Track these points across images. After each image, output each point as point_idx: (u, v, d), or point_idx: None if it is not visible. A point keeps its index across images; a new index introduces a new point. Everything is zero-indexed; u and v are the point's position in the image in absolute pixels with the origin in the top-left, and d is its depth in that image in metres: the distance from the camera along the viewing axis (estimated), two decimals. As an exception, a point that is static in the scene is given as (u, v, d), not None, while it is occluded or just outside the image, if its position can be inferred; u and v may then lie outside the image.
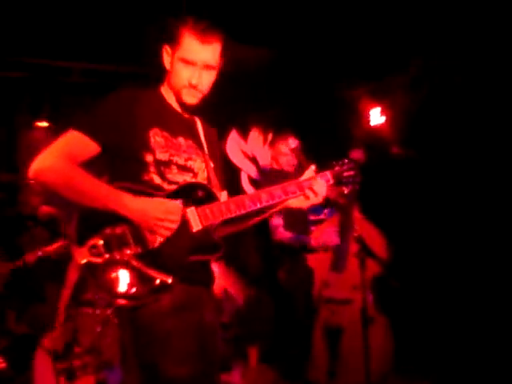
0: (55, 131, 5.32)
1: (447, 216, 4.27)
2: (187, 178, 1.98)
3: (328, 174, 2.13)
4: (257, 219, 2.15)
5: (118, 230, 1.81)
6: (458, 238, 4.20)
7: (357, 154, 3.67)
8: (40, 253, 3.49)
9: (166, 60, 2.02)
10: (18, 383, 3.49)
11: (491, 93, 4.07)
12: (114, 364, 3.16)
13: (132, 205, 1.82)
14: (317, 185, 2.08)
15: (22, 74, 4.84)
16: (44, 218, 3.93)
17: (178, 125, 2.02)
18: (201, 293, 1.95)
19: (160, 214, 1.82)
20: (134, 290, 1.78)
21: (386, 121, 4.27)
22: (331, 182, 2.14)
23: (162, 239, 1.84)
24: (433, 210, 4.33)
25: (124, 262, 1.79)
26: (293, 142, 3.56)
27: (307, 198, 2.08)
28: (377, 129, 4.26)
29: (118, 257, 1.79)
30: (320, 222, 3.84)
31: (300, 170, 3.23)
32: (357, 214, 3.70)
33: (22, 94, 5.05)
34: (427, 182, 4.35)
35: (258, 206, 2.00)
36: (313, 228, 3.81)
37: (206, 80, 1.99)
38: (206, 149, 2.09)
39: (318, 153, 3.75)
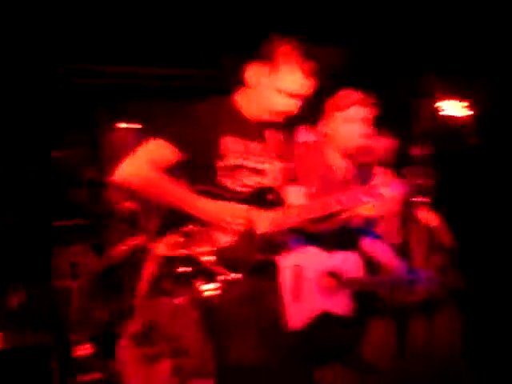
0: (135, 132, 5.66)
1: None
2: (259, 179, 2.12)
3: (398, 182, 2.09)
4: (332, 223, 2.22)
5: (192, 229, 2.01)
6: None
7: (415, 151, 3.63)
8: (124, 247, 3.74)
9: (253, 78, 2.09)
10: (104, 369, 3.77)
11: None
12: (191, 350, 3.35)
13: (205, 207, 2.01)
14: (388, 193, 2.05)
15: (105, 80, 5.15)
16: (127, 213, 4.20)
17: (249, 131, 2.14)
18: (266, 286, 2.12)
19: (229, 217, 1.99)
20: (202, 283, 1.98)
21: (465, 113, 4.21)
22: (401, 190, 2.08)
23: (230, 239, 2.02)
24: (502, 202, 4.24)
25: (195, 257, 1.98)
26: (365, 141, 3.53)
27: (375, 206, 2.13)
28: (454, 121, 4.21)
29: (190, 252, 1.99)
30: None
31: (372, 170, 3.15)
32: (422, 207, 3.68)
33: (104, 98, 5.38)
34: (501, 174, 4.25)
35: (326, 212, 2.07)
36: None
37: (297, 106, 2.10)
38: (276, 151, 2.19)
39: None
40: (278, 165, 2.18)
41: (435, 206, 3.72)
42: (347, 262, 2.80)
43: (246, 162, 2.09)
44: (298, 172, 2.50)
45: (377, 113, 2.82)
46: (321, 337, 2.79)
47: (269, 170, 2.15)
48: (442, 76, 4.00)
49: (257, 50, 2.09)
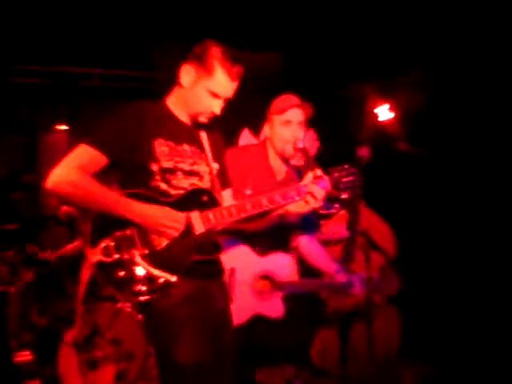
0: (74, 134, 5.54)
1: (450, 211, 4.37)
2: (193, 181, 2.15)
3: (326, 179, 2.20)
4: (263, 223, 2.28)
5: (127, 233, 2.01)
6: (460, 232, 4.30)
7: (363, 151, 3.76)
8: (62, 252, 3.69)
9: (186, 79, 2.14)
10: (43, 375, 3.71)
11: (497, 93, 4.14)
12: (134, 354, 3.34)
13: (140, 211, 2.01)
14: (316, 190, 2.15)
15: (43, 80, 5.04)
16: (64, 217, 4.13)
17: (181, 133, 2.18)
18: (208, 285, 2.13)
19: (165, 221, 2.00)
20: (140, 287, 1.97)
21: (394, 117, 4.35)
22: (329, 187, 2.19)
23: (166, 241, 2.02)
24: (438, 205, 4.43)
25: (132, 261, 1.98)
26: (300, 143, 3.62)
27: (306, 202, 2.18)
28: (384, 125, 4.35)
29: (126, 257, 1.98)
30: (329, 216, 3.96)
31: (305, 170, 3.24)
32: (364, 209, 3.81)
33: (43, 99, 5.26)
34: (433, 178, 4.44)
35: (258, 210, 2.13)
36: (322, 222, 3.93)
37: (221, 107, 2.17)
38: (209, 152, 2.23)
39: (326, 152, 3.89)
40: (213, 167, 2.22)
41: (377, 209, 3.88)
42: (280, 265, 2.83)
43: (180, 164, 2.12)
44: (236, 174, 2.54)
45: (312, 116, 2.94)
46: (255, 339, 2.83)
47: (203, 172, 2.19)
48: (373, 81, 4.15)
49: (189, 52, 2.15)
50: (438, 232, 4.44)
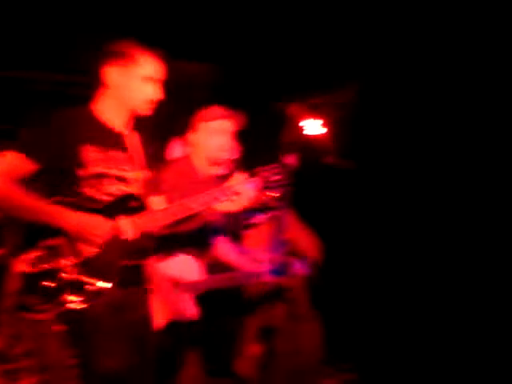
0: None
1: (376, 222, 4.56)
2: (121, 187, 2.15)
3: (255, 179, 2.28)
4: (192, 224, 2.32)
5: (55, 242, 2.00)
6: (386, 240, 4.50)
7: (289, 159, 3.85)
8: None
9: (113, 78, 2.15)
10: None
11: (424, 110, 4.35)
12: (53, 366, 3.26)
13: (67, 219, 1.99)
14: (243, 189, 2.23)
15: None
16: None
17: (109, 139, 2.17)
18: (133, 293, 2.16)
19: (95, 230, 2.00)
20: (69, 296, 1.97)
21: (325, 133, 4.49)
22: (259, 186, 2.27)
23: (95, 250, 2.02)
24: (364, 217, 4.61)
25: (59, 271, 1.97)
26: (237, 154, 3.66)
27: (233, 202, 2.25)
28: (314, 139, 4.47)
29: (54, 266, 1.97)
30: (253, 225, 4.02)
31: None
32: (290, 218, 3.89)
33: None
34: (362, 191, 4.62)
35: (187, 213, 2.18)
36: (246, 233, 3.98)
37: (160, 91, 2.20)
38: (139, 159, 2.24)
39: (253, 160, 3.96)
40: (142, 173, 2.23)
41: (305, 219, 3.98)
42: (182, 266, 2.87)
43: (108, 170, 2.12)
44: (165, 184, 2.56)
45: (242, 127, 3.02)
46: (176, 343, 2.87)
47: (132, 179, 2.19)
48: (305, 94, 4.26)
49: (106, 54, 2.17)
50: (363, 242, 4.61)
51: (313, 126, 4.48)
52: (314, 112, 4.33)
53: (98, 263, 2.02)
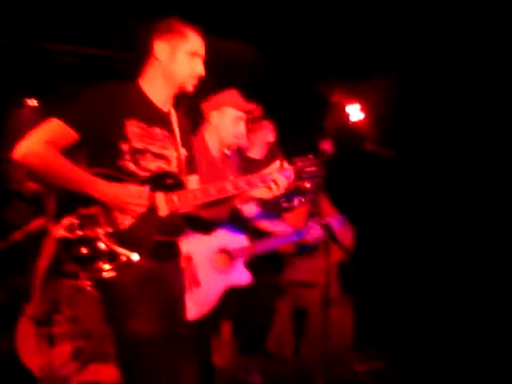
0: (45, 110, 5.48)
1: (411, 212, 4.52)
2: (161, 164, 2.18)
3: (290, 169, 2.25)
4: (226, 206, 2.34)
5: (92, 211, 2.04)
6: (420, 232, 4.46)
7: (326, 145, 3.85)
8: (25, 231, 3.68)
9: (163, 52, 2.19)
10: (2, 348, 3.71)
11: (465, 96, 4.28)
12: (91, 333, 3.37)
13: (105, 189, 2.04)
14: (279, 178, 2.21)
15: (17, 54, 4.97)
16: (29, 193, 4.10)
17: (154, 116, 2.20)
18: (166, 267, 2.19)
19: (129, 199, 2.04)
20: (102, 264, 2.02)
21: (365, 118, 4.45)
22: (293, 176, 2.24)
23: (130, 221, 2.06)
24: (399, 206, 4.58)
25: (95, 239, 2.02)
26: (271, 136, 3.71)
27: (270, 189, 2.24)
28: (354, 124, 4.45)
29: (90, 234, 2.02)
30: (290, 209, 4.04)
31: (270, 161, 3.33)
32: (326, 203, 3.90)
33: (15, 73, 5.17)
34: (399, 179, 4.58)
35: (223, 195, 2.18)
36: (285, 215, 4.02)
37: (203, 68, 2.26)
38: (179, 138, 2.27)
39: (291, 145, 3.97)
40: (182, 152, 2.26)
41: (340, 205, 3.98)
42: (229, 235, 2.98)
43: (150, 146, 2.15)
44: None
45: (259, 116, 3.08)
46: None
47: (171, 157, 2.22)
48: (345, 79, 4.24)
49: (156, 30, 2.22)
50: (398, 231, 4.58)
51: (353, 112, 4.45)
52: (354, 97, 4.30)
53: (132, 235, 2.04)
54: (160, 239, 2.11)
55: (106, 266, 2.02)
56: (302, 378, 3.62)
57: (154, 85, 2.23)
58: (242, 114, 3.00)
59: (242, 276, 2.95)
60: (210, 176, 2.79)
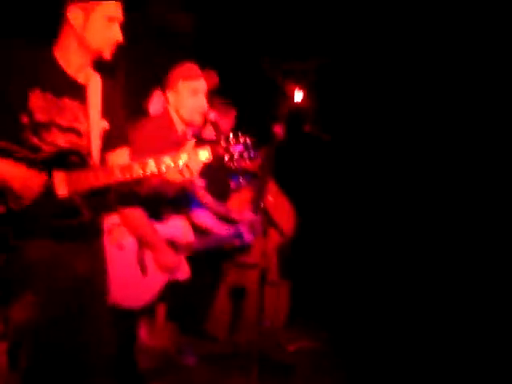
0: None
1: (349, 193, 4.62)
2: (71, 138, 2.03)
3: (208, 149, 2.07)
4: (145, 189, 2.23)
5: None
6: (357, 213, 4.57)
7: (277, 129, 3.84)
8: None
9: (77, 17, 2.01)
10: None
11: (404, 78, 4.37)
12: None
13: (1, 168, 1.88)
14: (191, 161, 2.04)
15: None
16: None
17: (64, 86, 2.04)
18: (69, 248, 2.03)
19: (18, 183, 1.89)
20: None
21: (304, 100, 4.45)
22: (211, 158, 2.07)
23: (24, 203, 1.91)
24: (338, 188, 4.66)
25: None
26: (212, 115, 3.60)
27: (182, 174, 2.06)
28: (297, 107, 4.44)
29: None
30: (235, 189, 4.03)
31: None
32: (271, 186, 3.91)
33: None
34: (337, 161, 4.65)
35: (129, 176, 2.00)
36: (232, 195, 4.00)
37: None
38: (99, 110, 2.10)
39: (241, 126, 3.92)
40: (101, 125, 2.10)
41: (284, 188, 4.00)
42: (179, 228, 2.93)
43: (57, 119, 2.00)
44: (142, 137, 2.54)
45: (216, 86, 3.00)
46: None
47: (84, 130, 2.06)
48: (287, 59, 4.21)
49: None
50: (336, 214, 4.68)
51: (297, 92, 4.43)
52: (296, 79, 4.28)
53: (27, 217, 1.92)
54: (59, 221, 1.97)
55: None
56: (236, 359, 3.66)
57: (68, 53, 2.05)
58: (197, 85, 2.86)
59: (182, 270, 2.89)
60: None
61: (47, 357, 1.99)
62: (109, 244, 2.63)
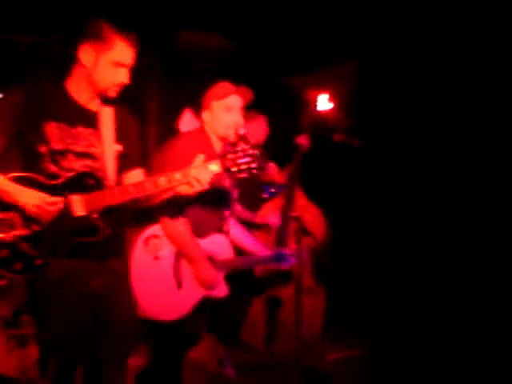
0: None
1: (384, 202, 4.57)
2: (87, 163, 2.22)
3: (217, 162, 2.20)
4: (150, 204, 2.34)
5: (7, 215, 2.08)
6: (390, 222, 4.51)
7: (302, 140, 3.88)
8: None
9: (87, 57, 2.19)
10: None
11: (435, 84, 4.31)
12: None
13: (16, 195, 2.08)
14: (201, 174, 2.17)
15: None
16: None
17: (76, 115, 2.23)
18: (87, 266, 2.22)
19: (36, 208, 2.06)
20: (19, 266, 2.08)
21: (333, 108, 4.46)
22: (220, 170, 2.19)
23: (43, 224, 2.10)
24: (371, 196, 4.62)
25: (11, 242, 2.06)
26: (241, 129, 3.66)
27: (191, 186, 2.19)
28: (323, 115, 4.45)
29: (6, 238, 2.08)
30: (264, 200, 4.08)
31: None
32: (300, 195, 3.92)
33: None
34: (369, 169, 4.61)
35: (142, 194, 2.17)
36: (263, 205, 4.04)
37: (128, 76, 2.25)
38: (112, 132, 2.28)
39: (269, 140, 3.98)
40: (114, 148, 2.27)
41: (314, 198, 4.01)
42: (219, 245, 2.95)
43: (72, 146, 2.19)
44: (182, 160, 2.53)
45: (251, 101, 3.02)
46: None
47: (99, 154, 2.24)
48: (313, 69, 4.23)
49: (83, 33, 2.21)
50: (370, 221, 4.62)
51: (322, 102, 4.44)
52: (321, 87, 4.30)
53: (47, 238, 2.09)
54: (78, 240, 2.14)
55: (23, 268, 2.08)
56: (275, 368, 3.66)
57: (79, 86, 2.24)
58: (230, 102, 2.91)
59: (220, 288, 2.91)
60: None
61: (72, 368, 2.17)
62: (144, 255, 2.72)
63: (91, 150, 2.23)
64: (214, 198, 2.91)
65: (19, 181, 2.09)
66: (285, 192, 3.88)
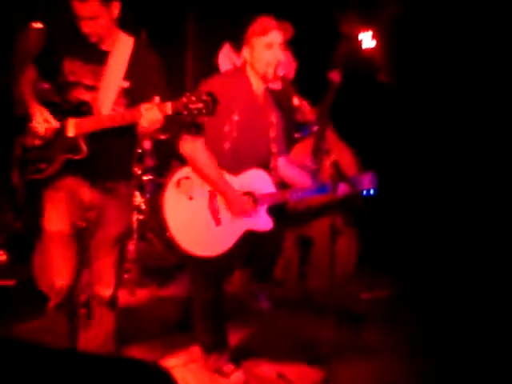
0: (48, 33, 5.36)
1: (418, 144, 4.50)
2: (94, 95, 2.58)
3: (168, 104, 2.37)
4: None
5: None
6: (426, 166, 4.46)
7: (334, 75, 3.79)
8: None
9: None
10: (17, 273, 3.85)
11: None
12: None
13: (34, 109, 2.60)
14: (149, 113, 2.37)
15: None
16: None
17: (91, 53, 2.59)
18: (76, 181, 2.66)
19: (44, 121, 2.58)
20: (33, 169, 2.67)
21: (376, 47, 4.32)
22: (169, 112, 2.37)
23: (39, 140, 2.61)
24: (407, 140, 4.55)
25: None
26: (281, 71, 3.60)
27: (140, 124, 2.42)
28: (366, 53, 4.32)
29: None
30: (297, 140, 4.06)
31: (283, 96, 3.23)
32: (331, 135, 3.89)
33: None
34: (406, 113, 4.52)
35: (113, 123, 2.50)
36: (295, 146, 4.03)
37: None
38: (123, 69, 2.59)
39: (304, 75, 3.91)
40: (117, 83, 2.58)
41: (345, 136, 3.97)
42: (257, 179, 2.95)
43: (83, 79, 2.58)
44: (221, 101, 2.52)
45: (292, 37, 2.96)
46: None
47: (104, 88, 2.58)
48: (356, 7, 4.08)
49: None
50: (406, 164, 4.58)
51: (365, 39, 4.30)
52: (366, 24, 4.16)
53: (43, 150, 2.59)
54: (66, 157, 2.57)
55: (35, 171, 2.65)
56: (308, 305, 3.76)
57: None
58: (271, 39, 2.84)
59: (262, 221, 2.93)
60: (250, 113, 2.85)
61: None
62: (178, 196, 2.79)
63: (98, 84, 2.58)
64: (258, 134, 2.91)
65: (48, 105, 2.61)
66: (316, 130, 3.81)
